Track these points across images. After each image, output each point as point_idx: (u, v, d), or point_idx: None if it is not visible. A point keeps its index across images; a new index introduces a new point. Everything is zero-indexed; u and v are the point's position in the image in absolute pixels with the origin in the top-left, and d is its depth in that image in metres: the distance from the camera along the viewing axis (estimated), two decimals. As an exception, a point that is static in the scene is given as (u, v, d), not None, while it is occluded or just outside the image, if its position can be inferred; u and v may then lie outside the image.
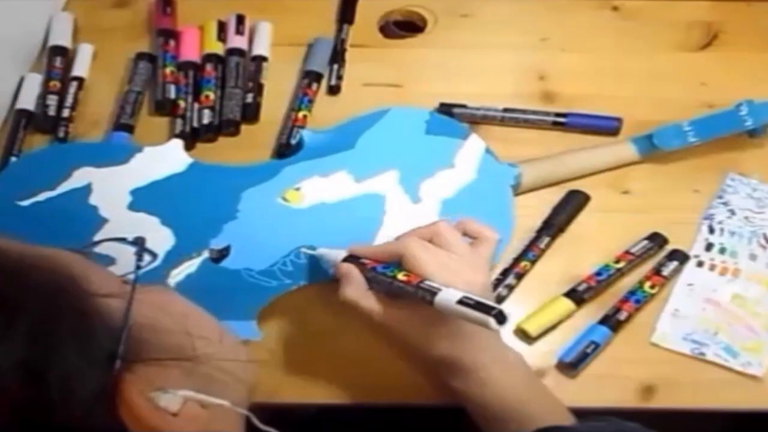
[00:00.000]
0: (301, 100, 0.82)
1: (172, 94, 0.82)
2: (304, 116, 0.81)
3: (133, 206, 0.71)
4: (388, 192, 0.73)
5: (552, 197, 0.76)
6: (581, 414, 0.61)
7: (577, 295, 0.70)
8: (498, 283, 0.71)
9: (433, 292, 0.57)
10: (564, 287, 0.71)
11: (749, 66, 0.85)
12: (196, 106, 0.82)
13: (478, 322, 0.54)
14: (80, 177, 0.72)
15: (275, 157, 0.79)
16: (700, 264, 0.73)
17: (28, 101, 0.82)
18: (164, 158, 0.73)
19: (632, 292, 0.71)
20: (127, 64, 0.85)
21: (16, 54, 0.84)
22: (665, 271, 0.71)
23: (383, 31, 0.89)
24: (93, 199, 0.71)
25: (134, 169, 0.72)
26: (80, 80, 0.83)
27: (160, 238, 0.69)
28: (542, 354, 0.69)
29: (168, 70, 0.83)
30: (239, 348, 0.53)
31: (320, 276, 0.68)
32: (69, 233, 0.68)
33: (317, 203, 0.72)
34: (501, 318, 0.53)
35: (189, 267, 0.68)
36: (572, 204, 0.76)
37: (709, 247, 0.74)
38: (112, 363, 0.41)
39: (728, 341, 0.69)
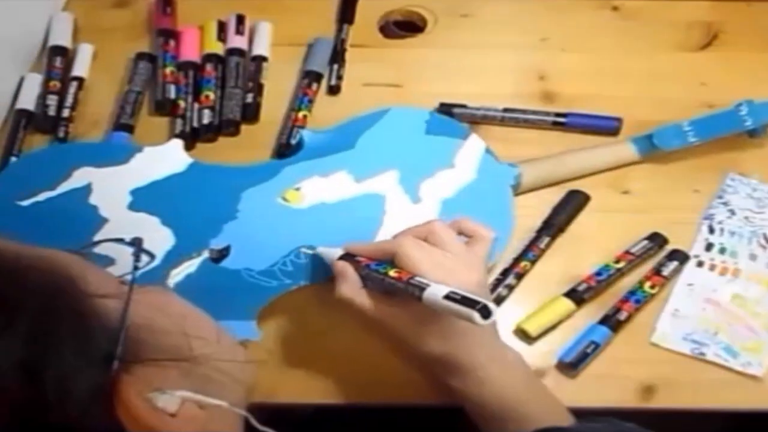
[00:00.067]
0: (301, 100, 0.82)
1: (172, 94, 0.82)
2: (304, 116, 0.81)
3: (133, 206, 0.71)
4: (388, 192, 0.73)
5: (552, 197, 0.76)
6: (581, 414, 0.61)
7: (577, 295, 0.70)
8: (498, 283, 0.71)
9: (422, 288, 0.57)
10: (564, 287, 0.71)
11: (749, 66, 0.85)
12: (196, 106, 0.82)
13: (463, 316, 0.54)
14: (80, 177, 0.72)
15: (275, 157, 0.79)
16: (700, 264, 0.73)
17: (28, 101, 0.82)
18: (164, 158, 0.73)
19: (632, 292, 0.71)
20: (127, 64, 0.85)
21: (16, 54, 0.84)
22: (665, 271, 0.71)
23: (383, 31, 0.89)
24: (93, 199, 0.71)
25: (134, 169, 0.72)
26: (80, 80, 0.83)
27: (160, 238, 0.69)
28: (542, 354, 0.69)
29: (168, 70, 0.83)
30: (237, 348, 0.53)
31: (320, 276, 0.68)
32: (69, 233, 0.68)
33: (317, 203, 0.72)
34: (486, 312, 0.53)
35: (189, 267, 0.68)
36: (572, 204, 0.76)
37: (709, 247, 0.74)
38: (110, 363, 0.41)
39: (728, 341, 0.69)
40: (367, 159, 0.74)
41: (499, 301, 0.71)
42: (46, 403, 0.38)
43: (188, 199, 0.72)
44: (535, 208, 0.75)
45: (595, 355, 0.68)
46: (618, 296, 0.71)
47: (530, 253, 0.73)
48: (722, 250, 0.74)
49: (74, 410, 0.39)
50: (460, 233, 0.64)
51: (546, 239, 0.74)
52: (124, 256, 0.55)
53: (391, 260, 0.61)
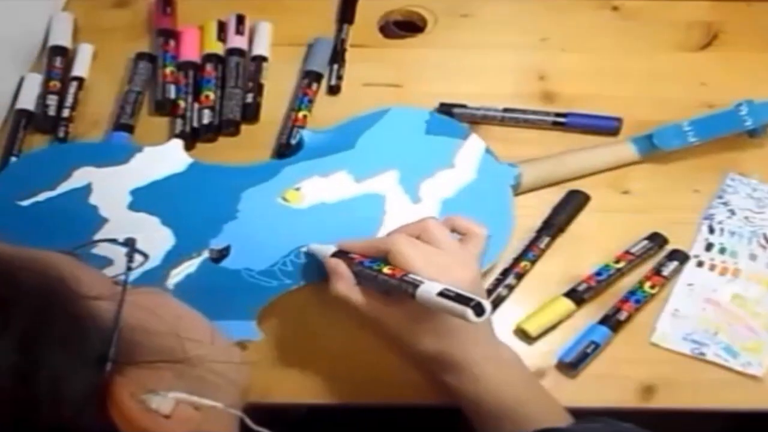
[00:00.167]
0: (301, 100, 0.82)
1: (172, 94, 0.82)
2: (304, 116, 0.81)
3: (133, 206, 0.71)
4: (388, 192, 0.73)
5: (552, 197, 0.76)
6: (581, 414, 0.61)
7: (577, 295, 0.70)
8: (498, 283, 0.71)
9: (416, 285, 0.57)
10: (564, 287, 0.71)
11: (749, 66, 0.85)
12: (196, 106, 0.82)
13: (457, 313, 0.54)
14: (80, 177, 0.72)
15: (275, 157, 0.79)
16: (700, 264, 0.73)
17: (28, 101, 0.82)
18: (164, 158, 0.74)
19: (632, 292, 0.71)
20: (127, 64, 0.85)
21: (16, 54, 0.84)
22: (665, 271, 0.71)
23: (383, 31, 0.89)
24: (93, 199, 0.71)
25: (134, 169, 0.73)
26: (80, 80, 0.83)
27: (161, 238, 0.69)
28: (542, 354, 0.69)
29: (168, 70, 0.83)
30: (232, 350, 0.53)
31: (321, 276, 0.68)
32: (69, 233, 0.68)
33: (317, 203, 0.72)
34: (479, 310, 0.53)
35: (189, 267, 0.68)
36: (572, 204, 0.76)
37: (709, 247, 0.74)
38: (103, 365, 0.40)
39: (728, 341, 0.69)
40: (367, 159, 0.74)
41: (499, 301, 0.71)
42: (39, 404, 0.38)
43: (188, 199, 0.72)
44: (535, 208, 0.75)
45: (595, 355, 0.68)
46: (618, 296, 0.71)
47: (530, 253, 0.73)
48: (722, 250, 0.74)
49: (68, 412, 0.39)
50: (454, 231, 0.64)
51: (546, 239, 0.74)
52: (122, 257, 0.54)
53: (384, 258, 0.61)
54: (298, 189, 0.73)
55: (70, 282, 0.43)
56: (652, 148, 0.77)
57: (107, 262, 0.59)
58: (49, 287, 0.42)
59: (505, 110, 0.81)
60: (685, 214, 0.76)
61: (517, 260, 0.73)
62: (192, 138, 0.80)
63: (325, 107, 0.83)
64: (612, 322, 0.69)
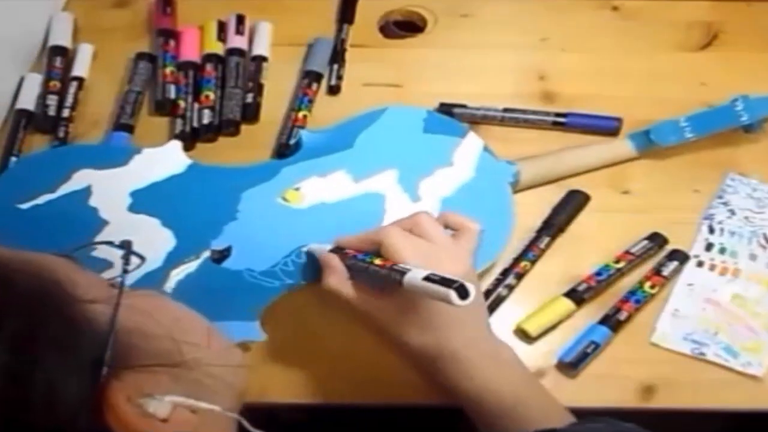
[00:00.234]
0: (301, 100, 0.82)
1: (172, 94, 0.82)
2: (304, 116, 0.81)
3: (133, 208, 0.71)
4: (387, 191, 0.73)
5: (552, 197, 0.76)
6: (581, 414, 0.61)
7: (577, 295, 0.70)
8: (498, 283, 0.71)
9: (403, 273, 0.57)
10: (564, 287, 0.71)
11: (749, 66, 0.85)
12: (196, 106, 0.81)
13: (441, 296, 0.54)
14: (80, 179, 0.72)
15: (275, 157, 0.79)
16: (700, 264, 0.73)
17: (28, 101, 0.82)
18: (163, 160, 0.74)
19: (632, 292, 0.71)
20: (127, 64, 0.85)
21: (16, 54, 0.84)
22: (665, 271, 0.71)
23: (383, 31, 0.89)
24: (93, 201, 0.71)
25: (134, 171, 0.73)
26: (80, 80, 0.83)
27: (161, 240, 0.69)
28: (542, 354, 0.69)
29: (168, 70, 0.83)
30: (229, 352, 0.53)
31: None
32: (69, 236, 0.67)
33: (317, 203, 0.72)
34: (463, 292, 0.53)
35: (190, 268, 0.68)
36: (572, 204, 0.76)
37: (709, 247, 0.74)
38: (99, 369, 0.40)
39: (728, 341, 0.69)
40: (366, 158, 0.74)
41: (499, 301, 0.71)
42: (33, 406, 0.38)
43: (188, 200, 0.72)
44: (535, 208, 0.75)
45: (595, 355, 0.68)
46: (618, 296, 0.71)
47: (530, 253, 0.73)
48: (722, 250, 0.74)
49: (63, 415, 0.39)
50: (447, 227, 0.64)
51: (546, 239, 0.74)
52: (120, 260, 0.54)
53: (378, 251, 0.62)
54: (297, 189, 0.73)
55: (65, 285, 0.43)
56: (650, 144, 0.77)
57: (106, 264, 0.59)
58: (44, 290, 0.42)
59: (505, 110, 0.81)
60: (685, 214, 0.76)
61: (517, 260, 0.73)
62: (192, 138, 0.80)
63: (325, 107, 0.83)
64: (612, 322, 0.69)
